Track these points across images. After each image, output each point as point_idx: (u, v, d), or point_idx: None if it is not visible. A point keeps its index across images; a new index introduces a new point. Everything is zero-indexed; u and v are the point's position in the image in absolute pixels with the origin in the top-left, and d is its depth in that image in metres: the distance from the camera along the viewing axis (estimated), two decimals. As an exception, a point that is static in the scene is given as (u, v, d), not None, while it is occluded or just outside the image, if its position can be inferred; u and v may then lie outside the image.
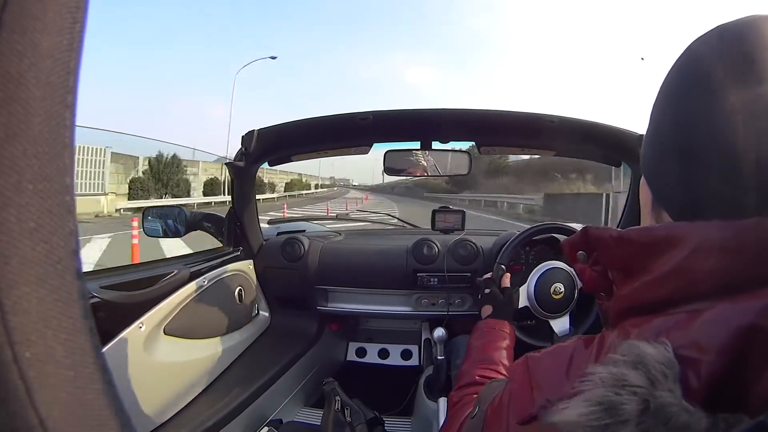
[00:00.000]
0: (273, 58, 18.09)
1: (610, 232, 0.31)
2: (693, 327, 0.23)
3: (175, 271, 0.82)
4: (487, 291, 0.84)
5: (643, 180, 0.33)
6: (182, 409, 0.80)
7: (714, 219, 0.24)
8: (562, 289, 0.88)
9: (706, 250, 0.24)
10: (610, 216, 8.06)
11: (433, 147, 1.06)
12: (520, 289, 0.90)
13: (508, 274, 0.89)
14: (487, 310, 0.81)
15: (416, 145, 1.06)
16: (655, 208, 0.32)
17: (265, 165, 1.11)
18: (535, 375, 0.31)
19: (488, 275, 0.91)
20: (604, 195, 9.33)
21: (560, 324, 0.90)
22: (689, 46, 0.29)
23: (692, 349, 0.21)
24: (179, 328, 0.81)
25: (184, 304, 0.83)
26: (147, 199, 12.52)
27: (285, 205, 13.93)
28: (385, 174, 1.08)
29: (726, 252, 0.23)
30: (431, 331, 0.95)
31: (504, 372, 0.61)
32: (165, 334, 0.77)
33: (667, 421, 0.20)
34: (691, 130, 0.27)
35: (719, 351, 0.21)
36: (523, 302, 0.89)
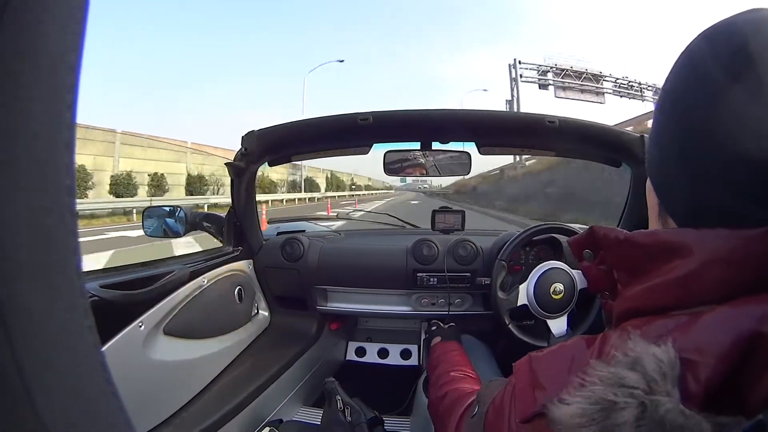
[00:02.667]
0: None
1: (617, 233, 0.31)
2: (694, 330, 0.23)
3: (175, 271, 0.81)
4: (433, 329, 0.91)
5: (649, 182, 0.33)
6: (181, 408, 0.80)
7: (718, 227, 0.24)
8: (562, 289, 0.88)
9: (715, 261, 0.24)
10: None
11: (433, 147, 1.06)
12: (520, 287, 0.90)
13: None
14: (436, 340, 0.86)
15: (416, 145, 1.06)
16: (662, 214, 0.32)
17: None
18: (538, 374, 0.31)
19: (434, 328, 0.94)
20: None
21: (558, 325, 0.90)
22: (688, 45, 0.29)
23: (693, 353, 0.21)
24: (179, 328, 0.81)
25: (183, 303, 0.83)
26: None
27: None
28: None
29: (733, 263, 0.23)
30: None
31: (470, 370, 0.67)
32: (164, 333, 0.77)
33: (664, 424, 0.20)
34: (691, 135, 0.27)
35: (720, 357, 0.21)
36: (522, 300, 0.89)
